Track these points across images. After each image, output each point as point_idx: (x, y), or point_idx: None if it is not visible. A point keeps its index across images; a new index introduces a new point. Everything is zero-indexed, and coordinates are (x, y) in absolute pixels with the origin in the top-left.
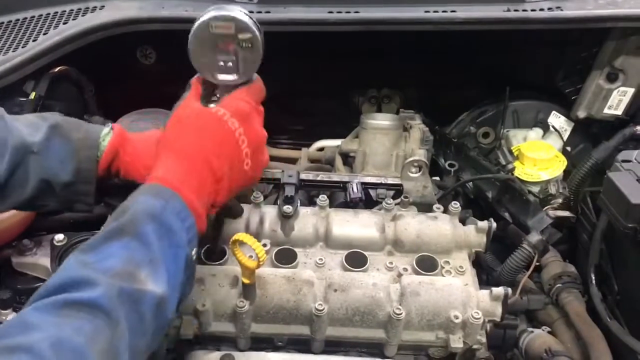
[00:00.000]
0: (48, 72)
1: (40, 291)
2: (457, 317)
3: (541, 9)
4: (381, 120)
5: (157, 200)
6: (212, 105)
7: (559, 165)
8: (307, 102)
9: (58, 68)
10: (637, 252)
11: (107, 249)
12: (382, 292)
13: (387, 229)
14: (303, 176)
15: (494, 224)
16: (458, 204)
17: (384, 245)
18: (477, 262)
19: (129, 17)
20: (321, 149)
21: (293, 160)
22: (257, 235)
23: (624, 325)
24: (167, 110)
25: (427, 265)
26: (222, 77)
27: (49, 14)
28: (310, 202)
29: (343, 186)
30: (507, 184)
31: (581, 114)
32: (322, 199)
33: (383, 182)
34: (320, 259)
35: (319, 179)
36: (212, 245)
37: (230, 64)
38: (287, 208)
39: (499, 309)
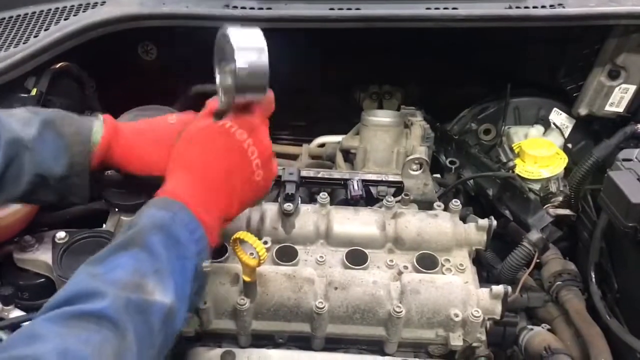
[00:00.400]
0: (49, 68)
1: (50, 303)
2: (457, 315)
3: (543, 6)
4: (382, 117)
5: (164, 212)
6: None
7: (559, 163)
8: (308, 98)
9: (59, 64)
10: (637, 251)
11: (115, 260)
12: (383, 290)
13: (388, 226)
14: (304, 173)
15: (495, 222)
16: (458, 202)
17: (384, 243)
18: (478, 259)
19: (129, 13)
20: (322, 145)
21: (294, 157)
22: (258, 233)
23: (623, 324)
24: (168, 107)
25: (427, 263)
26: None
27: (49, 9)
28: (311, 198)
29: (344, 183)
30: (508, 182)
31: (582, 111)
32: (323, 196)
33: (384, 179)
34: (321, 257)
35: (319, 176)
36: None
37: None
38: (288, 206)
39: (498, 307)
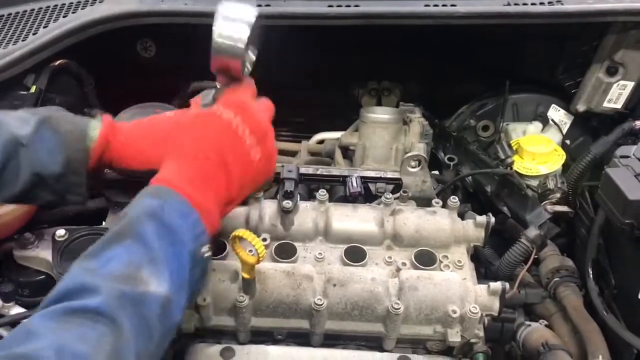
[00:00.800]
0: (48, 66)
1: (46, 300)
2: (454, 312)
3: (541, 3)
4: (381, 114)
5: (155, 200)
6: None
7: (557, 160)
8: (307, 94)
9: (58, 61)
10: (634, 248)
11: (109, 253)
12: (381, 286)
13: (386, 223)
14: (303, 170)
15: (493, 219)
16: (457, 199)
17: (382, 240)
18: (476, 256)
19: (128, 10)
20: (321, 142)
21: (293, 153)
22: (257, 230)
23: (621, 320)
24: (167, 105)
25: (425, 259)
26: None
27: (48, 7)
28: (310, 195)
29: (342, 180)
30: (506, 179)
31: (581, 107)
32: (322, 193)
33: (382, 176)
34: (320, 254)
35: (318, 173)
36: (213, 239)
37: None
38: (287, 203)
39: (496, 304)
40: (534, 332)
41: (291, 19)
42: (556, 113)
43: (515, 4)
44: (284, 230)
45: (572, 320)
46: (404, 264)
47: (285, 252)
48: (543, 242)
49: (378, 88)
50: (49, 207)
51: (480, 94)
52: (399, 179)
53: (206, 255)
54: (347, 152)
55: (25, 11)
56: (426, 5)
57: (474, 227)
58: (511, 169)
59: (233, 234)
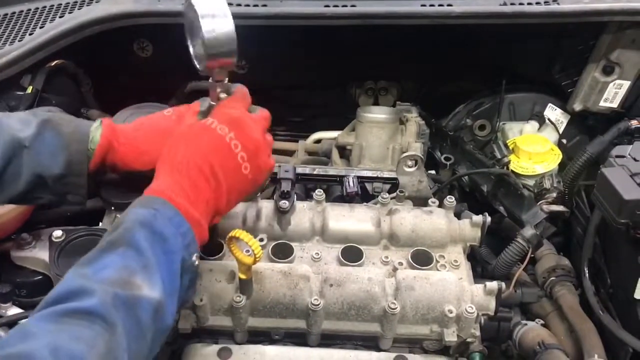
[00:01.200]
0: (45, 66)
1: (42, 303)
2: (451, 312)
3: (537, 3)
4: (377, 114)
5: (147, 209)
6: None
7: (554, 159)
8: (305, 94)
9: (55, 62)
10: (629, 247)
11: (103, 260)
12: (377, 286)
13: (383, 223)
14: (300, 170)
15: (489, 218)
16: (453, 198)
17: (379, 240)
18: (472, 255)
19: (125, 11)
20: (318, 141)
21: (290, 153)
22: (254, 230)
23: (616, 319)
24: (164, 105)
25: (422, 259)
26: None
27: (45, 7)
28: (307, 194)
29: (339, 180)
30: (502, 178)
31: (577, 106)
32: (319, 193)
33: (379, 175)
34: (317, 253)
35: (315, 172)
36: (209, 240)
37: None
38: (284, 203)
39: (492, 303)
40: (530, 331)
41: (288, 19)
42: (553, 112)
43: (512, 4)
44: (280, 230)
45: (568, 319)
46: (400, 263)
47: (282, 252)
48: (539, 241)
49: (375, 87)
50: (49, 207)
51: (476, 93)
52: (396, 179)
53: (195, 264)
54: (344, 152)
55: (22, 11)
56: (422, 5)
57: (471, 227)
58: (507, 168)
59: (230, 234)
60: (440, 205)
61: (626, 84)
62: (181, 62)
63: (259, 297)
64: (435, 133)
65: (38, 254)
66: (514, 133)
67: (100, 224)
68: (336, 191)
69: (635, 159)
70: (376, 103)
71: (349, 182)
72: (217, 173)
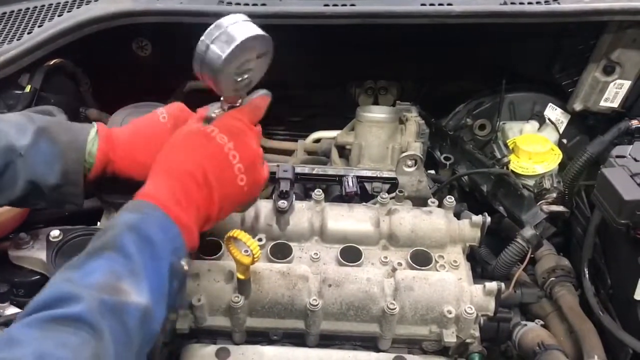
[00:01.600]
0: (43, 65)
1: (27, 309)
2: (450, 312)
3: (538, 2)
4: (377, 113)
5: (136, 214)
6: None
7: (554, 159)
8: (304, 93)
9: (53, 61)
10: (629, 248)
11: (90, 265)
12: (376, 287)
13: (382, 223)
14: (299, 170)
15: (488, 219)
16: (452, 199)
17: (378, 240)
18: (472, 255)
19: (123, 9)
20: (317, 141)
21: (289, 152)
22: (253, 230)
23: (616, 319)
24: (163, 105)
25: (421, 259)
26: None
27: (43, 5)
28: (306, 194)
29: (338, 180)
30: (502, 178)
31: (578, 106)
32: (318, 192)
33: (378, 175)
34: (315, 254)
35: (314, 172)
36: (208, 240)
37: (246, 77)
38: (282, 203)
39: (492, 304)
40: (530, 331)
41: (287, 18)
42: (553, 112)
43: (512, 3)
44: (279, 230)
45: (567, 320)
46: (399, 264)
47: (280, 252)
48: (539, 241)
49: (375, 87)
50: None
51: (476, 92)
52: (395, 179)
53: (185, 268)
54: (344, 151)
55: (20, 10)
56: (422, 5)
57: (470, 227)
58: (507, 168)
59: (228, 234)
60: (440, 205)
61: (627, 84)
62: (180, 62)
63: (257, 298)
64: (435, 133)
65: (36, 254)
66: (514, 133)
67: (98, 223)
68: (335, 191)
69: (635, 159)
70: (376, 102)
71: (348, 182)
72: (210, 180)
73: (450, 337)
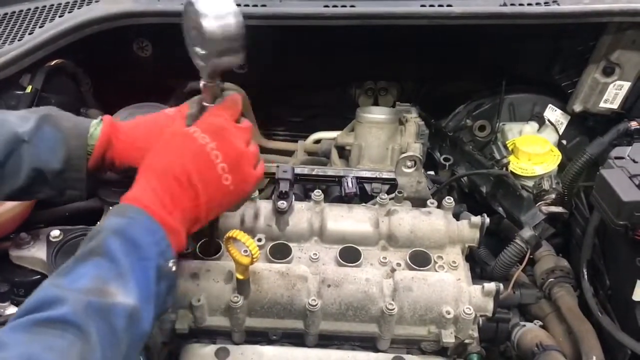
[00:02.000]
0: (44, 66)
1: (16, 314)
2: (449, 313)
3: (537, 3)
4: (377, 114)
5: (122, 218)
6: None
7: (553, 160)
8: (304, 94)
9: (54, 61)
10: (628, 249)
11: (78, 271)
12: (375, 287)
13: (381, 224)
14: (298, 170)
15: (487, 220)
16: (452, 199)
17: (377, 240)
18: (471, 256)
19: (124, 10)
20: (318, 141)
21: (290, 153)
22: (252, 230)
23: (615, 320)
24: (164, 105)
25: (420, 260)
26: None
27: (44, 6)
28: (306, 195)
29: (338, 180)
30: (501, 179)
31: (577, 107)
32: (317, 193)
33: (378, 176)
34: (315, 254)
35: (314, 173)
36: (208, 240)
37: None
38: (282, 203)
39: (490, 305)
40: (529, 332)
41: (287, 19)
42: (552, 113)
43: (512, 4)
44: (278, 231)
45: (566, 320)
46: (398, 264)
47: (280, 252)
48: (538, 242)
49: (375, 88)
50: (48, 201)
51: (476, 93)
52: (395, 179)
53: (173, 269)
54: (344, 152)
55: (22, 11)
56: (422, 6)
57: (469, 228)
58: (507, 169)
59: (227, 234)
60: (439, 206)
61: (626, 85)
62: (181, 62)
63: (256, 298)
64: (434, 133)
65: (36, 254)
66: (514, 134)
67: (98, 223)
68: (335, 191)
69: (634, 161)
70: (376, 103)
71: (347, 183)
72: (194, 182)
73: (448, 337)
